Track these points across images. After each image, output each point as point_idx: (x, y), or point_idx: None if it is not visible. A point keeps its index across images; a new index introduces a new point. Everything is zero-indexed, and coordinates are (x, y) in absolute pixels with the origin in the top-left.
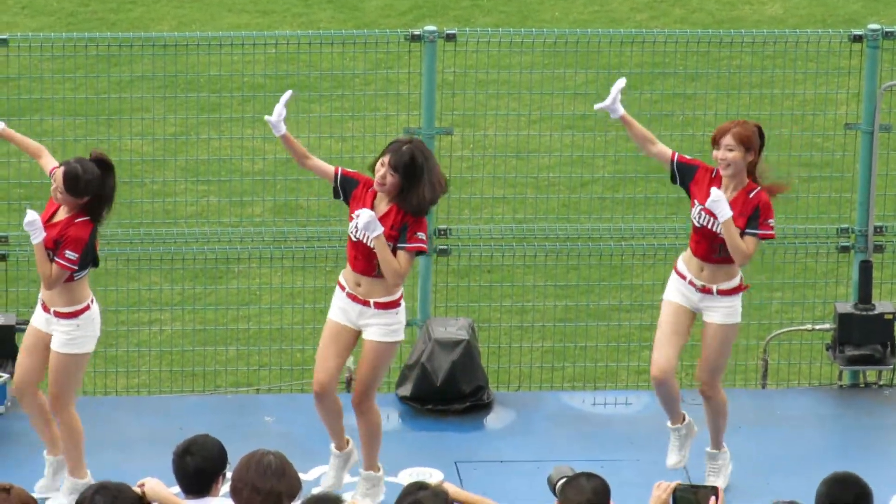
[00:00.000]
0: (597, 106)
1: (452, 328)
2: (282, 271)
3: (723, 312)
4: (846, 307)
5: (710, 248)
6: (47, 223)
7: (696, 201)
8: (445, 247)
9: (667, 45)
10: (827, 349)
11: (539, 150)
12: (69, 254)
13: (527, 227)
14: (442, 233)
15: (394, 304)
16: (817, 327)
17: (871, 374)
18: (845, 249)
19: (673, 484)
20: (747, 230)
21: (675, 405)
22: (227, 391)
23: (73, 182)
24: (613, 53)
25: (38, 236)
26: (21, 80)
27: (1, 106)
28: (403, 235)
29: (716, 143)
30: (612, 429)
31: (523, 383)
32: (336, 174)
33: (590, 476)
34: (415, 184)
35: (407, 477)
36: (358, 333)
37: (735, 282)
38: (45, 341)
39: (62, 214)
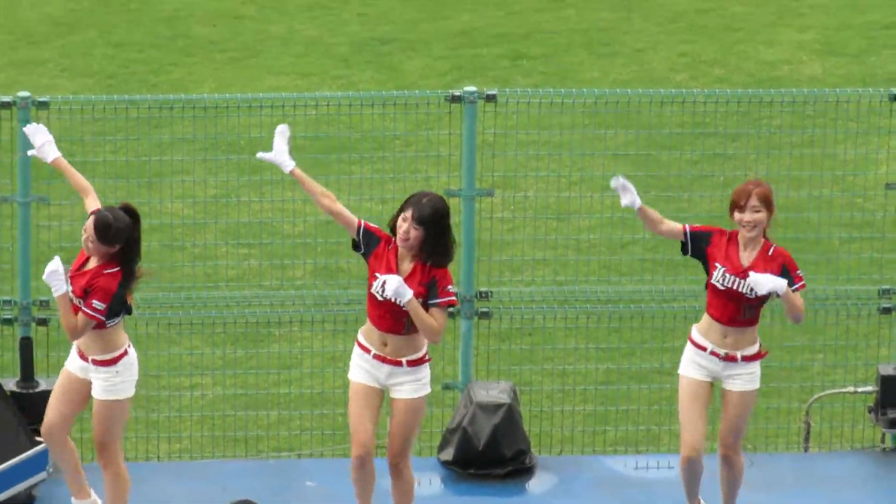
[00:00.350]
0: (623, 203)
1: (494, 391)
2: (323, 335)
3: (745, 379)
4: (888, 369)
5: (738, 310)
6: (77, 272)
7: (717, 264)
8: (487, 309)
9: (707, 104)
10: (869, 412)
11: (579, 211)
12: (96, 304)
13: (568, 289)
14: (483, 295)
15: (423, 360)
16: (860, 390)
17: None
18: (887, 311)
19: None
20: (786, 295)
21: (698, 484)
22: (269, 456)
23: (104, 230)
24: (654, 113)
25: (58, 289)
26: (62, 143)
27: (42, 168)
28: (433, 291)
29: (739, 206)
30: (654, 493)
31: (565, 447)
32: (359, 227)
33: None
34: (440, 234)
35: None
36: (383, 393)
37: (756, 347)
38: (78, 386)
39: (92, 264)
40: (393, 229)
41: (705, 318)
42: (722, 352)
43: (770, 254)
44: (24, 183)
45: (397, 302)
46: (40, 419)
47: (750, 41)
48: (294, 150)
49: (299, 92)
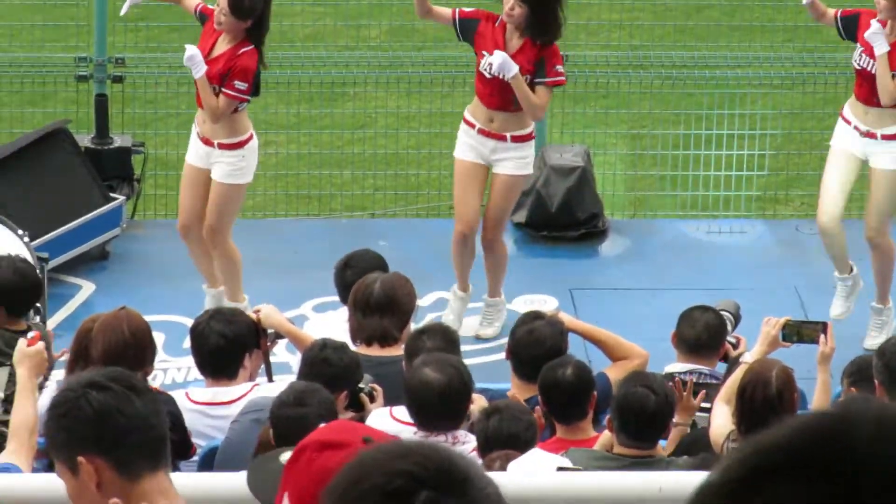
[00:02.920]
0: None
1: (568, 154)
2: (397, 95)
3: (890, 157)
4: None
5: (871, 90)
6: (207, 58)
7: (857, 45)
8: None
9: None
10: None
11: None
12: (239, 84)
13: (643, 53)
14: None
15: (528, 137)
16: None
17: None
18: None
19: (782, 320)
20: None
21: (843, 254)
22: (342, 215)
23: (238, 4)
24: None
25: (199, 70)
26: None
27: None
28: (542, 70)
29: None
30: (727, 257)
31: (638, 211)
32: (454, 19)
33: (705, 310)
34: (545, 10)
35: (521, 304)
36: (488, 169)
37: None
38: (203, 177)
39: (223, 47)
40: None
41: (853, 95)
42: (863, 128)
43: None
44: None
45: (502, 77)
46: (114, 175)
47: None
48: None
49: None
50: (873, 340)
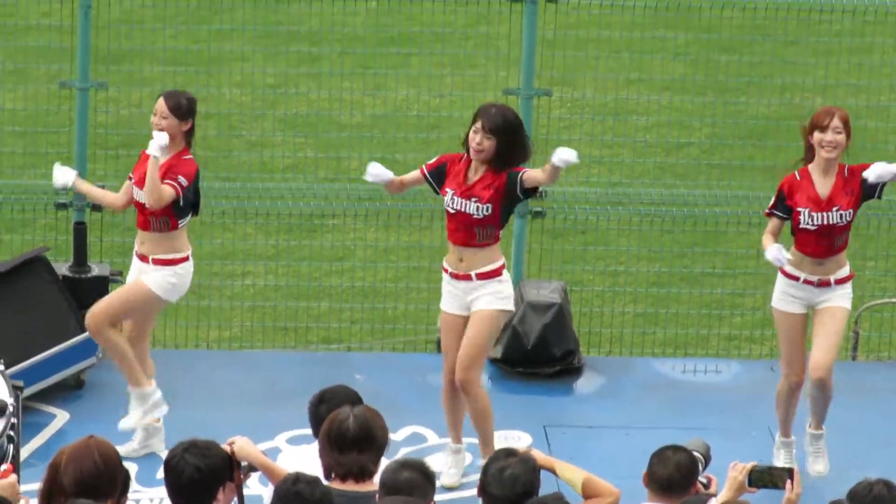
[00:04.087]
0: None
1: (545, 290)
2: (376, 227)
3: (839, 298)
4: None
5: (831, 241)
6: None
7: (799, 209)
8: (540, 208)
9: (767, 10)
10: None
11: (636, 111)
12: (181, 179)
13: (622, 189)
14: (538, 194)
15: (497, 273)
16: None
17: None
18: None
19: (749, 465)
20: (879, 197)
21: (827, 407)
22: (319, 347)
23: (176, 101)
24: (713, 16)
25: (158, 151)
26: (122, 28)
27: (101, 53)
28: (516, 179)
29: (821, 127)
30: (702, 396)
31: (614, 347)
32: (424, 174)
33: (676, 449)
34: (512, 142)
35: (495, 440)
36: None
37: (847, 268)
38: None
39: (161, 160)
40: (464, 141)
41: (795, 252)
42: (815, 279)
43: (846, 175)
44: (84, 68)
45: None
46: (91, 304)
47: None
48: (353, 41)
49: None
50: (817, 466)
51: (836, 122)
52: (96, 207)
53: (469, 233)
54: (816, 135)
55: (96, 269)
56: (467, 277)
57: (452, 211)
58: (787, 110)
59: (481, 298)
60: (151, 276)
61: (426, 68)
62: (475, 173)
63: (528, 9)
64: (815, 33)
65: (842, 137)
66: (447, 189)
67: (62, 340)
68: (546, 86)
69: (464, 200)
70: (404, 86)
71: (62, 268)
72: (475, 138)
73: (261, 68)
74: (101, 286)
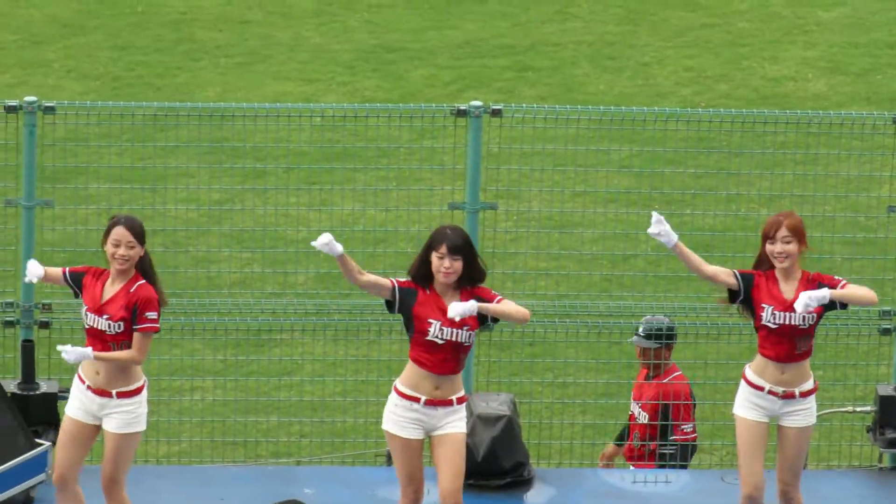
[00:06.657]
0: (650, 231)
1: (494, 403)
2: (324, 341)
3: (804, 415)
4: (887, 389)
5: (793, 345)
6: (101, 303)
7: (763, 305)
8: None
9: (711, 123)
10: (868, 431)
11: (582, 224)
12: (150, 314)
13: (569, 301)
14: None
15: (462, 399)
16: (858, 409)
17: None
18: (887, 332)
19: None
20: (834, 295)
21: None
22: (268, 462)
23: (137, 227)
24: (657, 129)
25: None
26: (67, 146)
27: (46, 171)
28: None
29: (770, 237)
30: None
31: (564, 459)
32: (394, 288)
33: None
34: (473, 258)
35: None
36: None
37: (812, 381)
38: (89, 432)
39: (113, 289)
40: (417, 275)
41: (759, 358)
42: (780, 390)
43: (809, 281)
44: (30, 186)
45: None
46: (40, 421)
47: (755, 57)
48: (298, 157)
49: (304, 97)
50: None
51: (783, 231)
52: (44, 324)
53: (456, 361)
54: (768, 246)
55: (45, 386)
56: (448, 403)
57: (441, 342)
58: (733, 221)
59: (456, 422)
60: (118, 419)
61: (372, 183)
62: (449, 296)
63: (472, 123)
64: (759, 145)
65: (791, 247)
66: (430, 321)
67: (11, 458)
68: (492, 199)
69: (455, 330)
70: (350, 201)
71: (10, 385)
72: (443, 263)
73: (206, 185)
74: (49, 403)
